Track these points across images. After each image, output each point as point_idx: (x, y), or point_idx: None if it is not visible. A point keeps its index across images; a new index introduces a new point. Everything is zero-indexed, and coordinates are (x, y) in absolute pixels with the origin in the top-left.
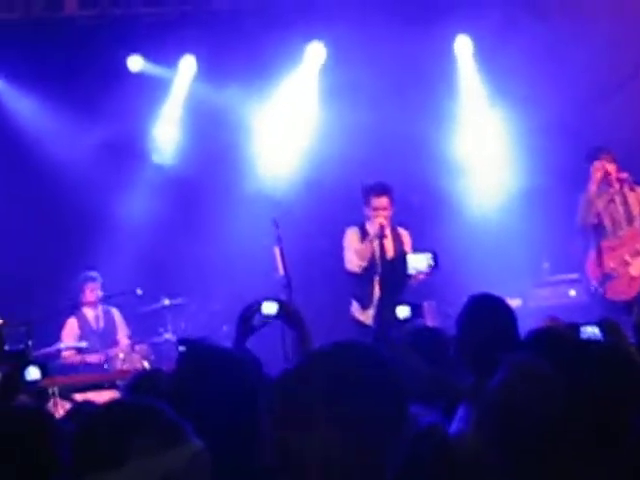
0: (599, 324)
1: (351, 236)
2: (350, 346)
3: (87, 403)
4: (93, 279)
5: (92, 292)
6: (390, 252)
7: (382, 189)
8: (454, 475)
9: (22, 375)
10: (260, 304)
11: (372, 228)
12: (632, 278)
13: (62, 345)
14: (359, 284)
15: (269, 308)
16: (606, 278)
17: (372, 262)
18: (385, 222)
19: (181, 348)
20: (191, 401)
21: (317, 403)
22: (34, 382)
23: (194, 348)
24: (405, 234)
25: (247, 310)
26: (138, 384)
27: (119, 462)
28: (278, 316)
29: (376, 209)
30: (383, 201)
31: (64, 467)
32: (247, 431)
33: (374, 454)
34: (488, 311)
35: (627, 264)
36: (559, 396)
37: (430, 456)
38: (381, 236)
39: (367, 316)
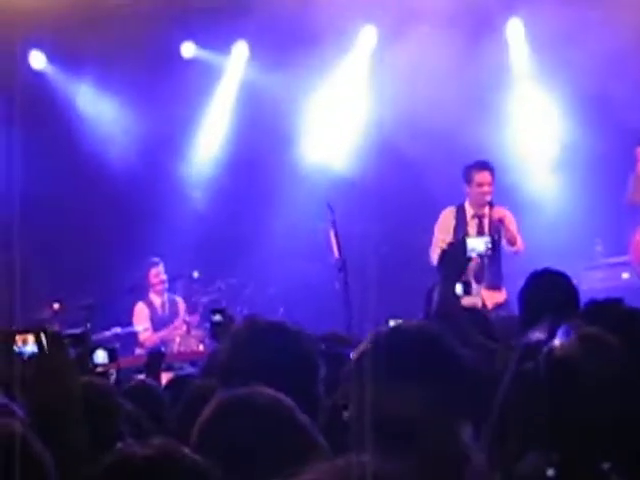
0: None
1: (444, 217)
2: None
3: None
4: (156, 264)
5: (157, 277)
6: (486, 229)
7: (485, 163)
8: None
9: (90, 358)
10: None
11: (473, 205)
12: None
13: (118, 330)
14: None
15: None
16: None
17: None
18: (491, 198)
19: (216, 317)
20: (246, 369)
21: (413, 361)
22: (101, 365)
23: (250, 318)
24: (505, 212)
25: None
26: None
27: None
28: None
29: (480, 185)
30: (487, 175)
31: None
32: (305, 400)
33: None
34: (550, 285)
35: None
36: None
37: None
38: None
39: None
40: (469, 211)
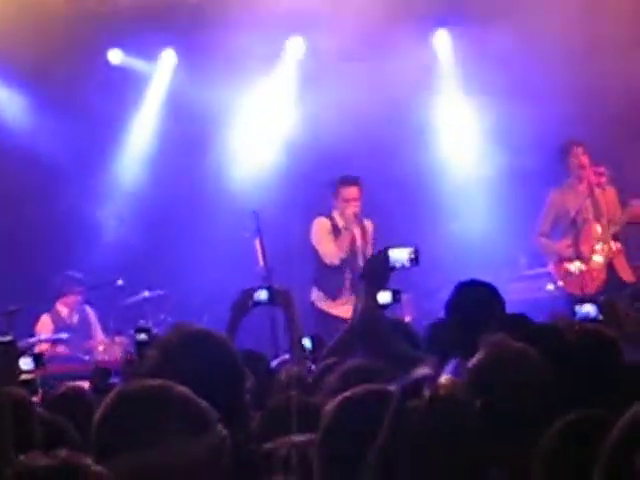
0: (595, 302)
1: (322, 227)
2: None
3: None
4: (78, 282)
5: (74, 295)
6: (359, 243)
7: (352, 180)
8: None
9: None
10: (253, 290)
11: (342, 219)
12: (591, 273)
13: (42, 336)
14: (329, 275)
15: (261, 294)
16: (567, 274)
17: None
18: (358, 211)
19: (141, 336)
20: (174, 376)
21: None
22: (27, 372)
23: (179, 326)
24: (370, 225)
25: (241, 296)
26: None
27: (152, 443)
28: (269, 301)
29: (347, 200)
30: (353, 191)
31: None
32: (230, 409)
33: None
34: (475, 295)
35: (587, 260)
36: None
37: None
38: (359, 225)
39: (335, 307)
40: (339, 222)
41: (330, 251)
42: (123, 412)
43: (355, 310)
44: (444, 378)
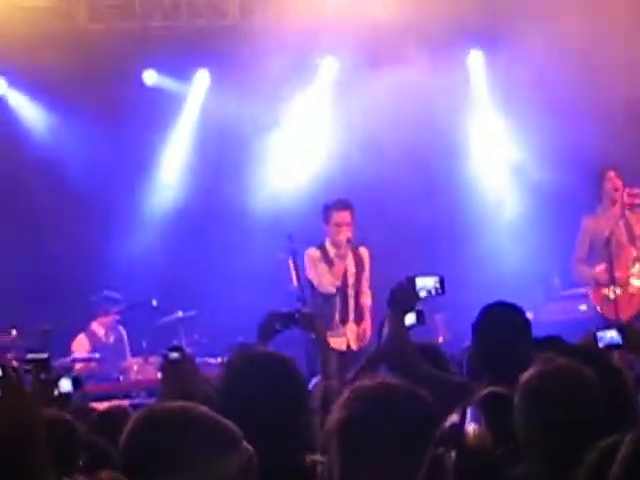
0: (619, 327)
1: (312, 258)
2: None
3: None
4: (115, 302)
5: (110, 314)
6: (352, 271)
7: (344, 204)
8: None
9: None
10: (279, 313)
11: (333, 246)
12: (631, 298)
13: (77, 355)
14: (323, 305)
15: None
16: (604, 300)
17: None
18: (351, 237)
19: (173, 355)
20: (239, 399)
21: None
22: (66, 394)
23: (242, 349)
24: (365, 253)
25: (266, 318)
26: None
27: (179, 468)
28: (296, 323)
29: (339, 225)
30: (345, 216)
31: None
32: (294, 429)
33: None
34: (502, 318)
35: (624, 284)
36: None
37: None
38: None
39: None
40: (330, 251)
41: (324, 280)
42: (146, 436)
43: (381, 333)
44: (472, 429)
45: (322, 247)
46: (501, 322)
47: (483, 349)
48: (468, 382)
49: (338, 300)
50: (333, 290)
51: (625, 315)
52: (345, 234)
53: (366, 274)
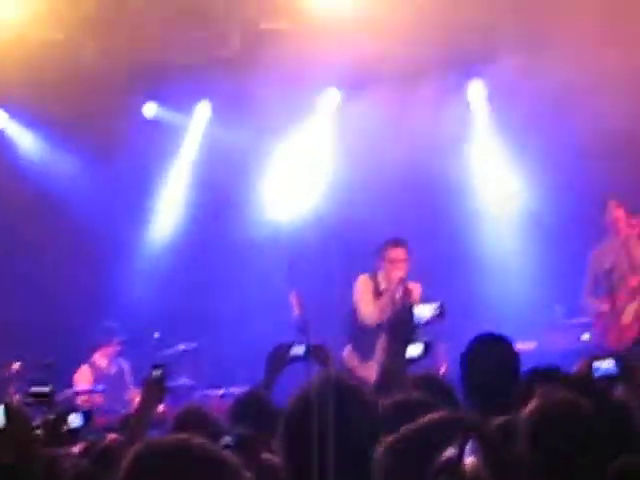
0: (615, 357)
1: (365, 286)
2: None
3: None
4: (116, 333)
5: (112, 346)
6: (398, 305)
7: (399, 241)
8: None
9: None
10: (289, 345)
11: (386, 280)
12: (631, 326)
13: (79, 388)
14: (366, 336)
15: (298, 350)
16: (605, 329)
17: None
18: (404, 275)
19: (155, 372)
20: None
21: None
22: (76, 430)
23: (327, 376)
24: (416, 287)
25: (277, 350)
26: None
27: None
28: (305, 356)
29: (393, 261)
30: (400, 253)
31: None
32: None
33: None
34: (488, 349)
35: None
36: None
37: None
38: (402, 289)
39: (363, 369)
40: (382, 283)
41: (369, 312)
42: (144, 470)
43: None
44: (469, 462)
45: (374, 277)
46: (487, 354)
47: (472, 380)
48: (462, 415)
49: (383, 335)
50: (373, 323)
51: (622, 345)
52: (399, 272)
53: None
